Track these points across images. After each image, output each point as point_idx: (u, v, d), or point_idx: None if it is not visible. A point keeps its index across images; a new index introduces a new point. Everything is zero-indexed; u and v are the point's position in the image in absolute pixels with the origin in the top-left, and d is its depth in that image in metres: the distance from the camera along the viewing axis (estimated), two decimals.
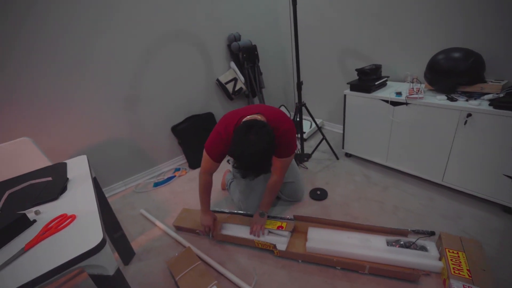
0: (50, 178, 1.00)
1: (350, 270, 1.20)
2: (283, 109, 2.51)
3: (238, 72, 2.41)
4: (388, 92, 1.70)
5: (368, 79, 1.79)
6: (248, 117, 1.18)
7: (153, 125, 2.17)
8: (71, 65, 1.70)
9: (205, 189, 1.39)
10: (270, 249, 1.32)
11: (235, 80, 2.42)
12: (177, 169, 2.31)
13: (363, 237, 1.26)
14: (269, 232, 1.40)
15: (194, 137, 2.29)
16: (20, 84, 1.58)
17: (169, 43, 2.06)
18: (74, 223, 0.73)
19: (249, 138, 1.03)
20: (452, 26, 1.53)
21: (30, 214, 0.78)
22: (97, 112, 1.88)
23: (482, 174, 1.39)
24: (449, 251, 1.13)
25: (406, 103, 1.55)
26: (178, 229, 1.58)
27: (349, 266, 1.19)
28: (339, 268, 1.22)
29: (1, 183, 1.06)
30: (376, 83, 1.75)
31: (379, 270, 1.14)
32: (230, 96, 2.47)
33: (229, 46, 2.39)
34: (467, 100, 1.37)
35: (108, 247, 0.68)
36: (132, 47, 1.90)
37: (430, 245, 1.18)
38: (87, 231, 0.69)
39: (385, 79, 1.83)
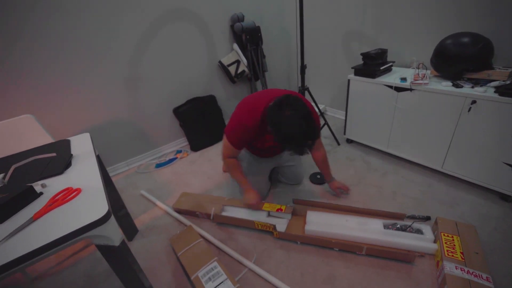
0: (54, 154, 1.01)
1: (348, 251, 1.24)
2: None
3: (241, 54, 2.37)
4: (393, 78, 1.68)
5: (373, 64, 1.76)
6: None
7: (155, 107, 2.17)
8: (73, 44, 1.67)
9: (237, 168, 1.38)
10: (270, 230, 1.35)
11: (237, 62, 2.38)
12: (179, 151, 2.32)
13: (361, 220, 1.29)
14: (269, 214, 1.43)
15: (196, 119, 2.28)
16: (23, 63, 1.56)
17: (170, 22, 2.01)
18: (79, 196, 0.75)
19: (286, 114, 1.03)
20: (462, 9, 1.48)
21: (37, 187, 0.79)
22: (99, 91, 1.87)
23: (482, 162, 1.40)
24: (444, 235, 1.16)
25: (411, 89, 1.53)
26: (178, 211, 1.61)
27: (347, 247, 1.23)
28: (336, 249, 1.25)
29: (6, 158, 1.08)
30: (382, 68, 1.72)
31: (375, 251, 1.18)
32: (232, 79, 2.44)
33: (232, 26, 2.33)
34: (472, 87, 1.35)
35: (113, 219, 0.70)
36: (133, 26, 1.86)
37: (426, 228, 1.21)
38: (93, 204, 0.71)
39: (391, 64, 1.80)
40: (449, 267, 1.02)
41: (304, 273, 1.17)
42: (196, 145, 2.33)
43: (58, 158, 0.99)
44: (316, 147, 1.43)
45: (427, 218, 1.34)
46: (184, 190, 1.80)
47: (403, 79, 1.60)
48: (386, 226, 1.24)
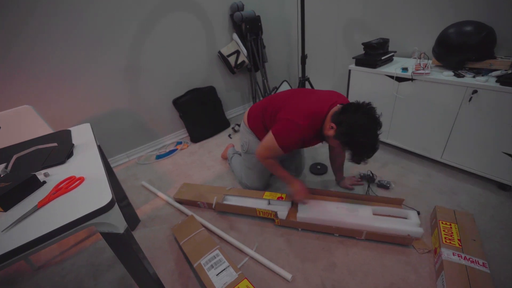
0: (55, 144, 1.01)
1: (347, 237, 1.26)
2: (285, 84, 2.46)
3: (241, 44, 2.34)
4: (394, 68, 1.67)
5: (374, 54, 1.75)
6: (338, 106, 1.15)
7: (155, 98, 2.15)
8: (72, 34, 1.65)
9: (277, 166, 1.32)
10: (271, 217, 1.37)
11: (237, 52, 2.35)
12: (179, 143, 2.32)
13: (351, 207, 1.33)
14: (269, 203, 1.44)
15: (196, 110, 2.28)
16: (22, 54, 1.54)
17: (170, 11, 1.97)
18: (83, 185, 0.75)
19: (363, 122, 1.03)
20: None
21: (40, 176, 0.80)
22: (98, 82, 1.85)
23: (481, 152, 1.41)
24: (442, 223, 1.18)
25: (412, 79, 1.53)
26: (179, 202, 1.62)
27: (347, 232, 1.25)
28: (337, 235, 1.28)
29: (7, 148, 1.08)
30: (383, 58, 1.71)
31: (376, 235, 1.21)
32: (232, 69, 2.42)
33: (231, 16, 2.29)
34: (474, 77, 1.35)
35: (117, 207, 0.71)
36: (132, 16, 1.83)
37: (412, 214, 1.27)
38: (97, 192, 0.71)
39: (392, 54, 1.78)
40: (447, 254, 1.04)
41: (304, 260, 1.19)
42: (196, 136, 2.33)
43: (59, 147, 0.99)
44: (339, 151, 1.41)
45: (417, 212, 1.35)
46: (185, 181, 1.81)
47: (404, 69, 1.59)
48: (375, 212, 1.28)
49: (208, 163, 2.00)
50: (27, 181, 0.73)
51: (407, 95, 1.59)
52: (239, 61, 2.38)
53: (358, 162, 1.07)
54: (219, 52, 2.33)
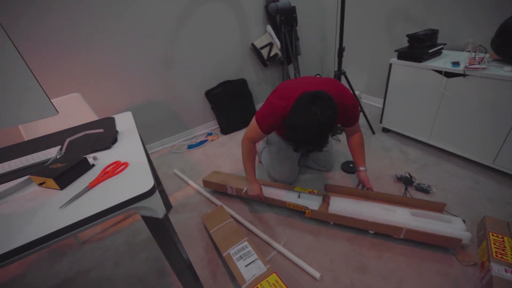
0: (102, 130, 1.08)
1: (382, 237, 1.20)
2: None
3: (275, 36, 2.30)
4: (442, 62, 1.52)
5: (420, 47, 1.61)
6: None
7: (188, 89, 2.21)
8: (114, 30, 1.74)
9: (249, 156, 1.34)
10: (302, 210, 1.33)
11: (270, 45, 2.32)
12: (209, 134, 2.38)
13: (387, 207, 1.24)
14: (299, 196, 1.41)
15: (227, 103, 2.30)
16: (70, 45, 1.66)
17: (204, 3, 1.99)
18: (127, 170, 0.79)
19: (312, 110, 0.98)
20: None
21: (89, 159, 0.86)
22: (137, 73, 1.95)
23: None
24: (493, 235, 1.07)
25: (464, 75, 1.39)
26: (208, 185, 1.63)
27: (385, 229, 1.16)
28: (372, 232, 1.21)
29: (59, 132, 1.18)
30: (430, 51, 1.57)
31: (417, 235, 1.11)
32: (264, 62, 2.39)
33: (266, 7, 2.25)
34: None
35: (157, 193, 0.74)
36: (168, 8, 1.87)
37: (455, 219, 1.14)
38: (139, 177, 0.75)
39: (441, 46, 1.63)
40: (498, 269, 0.94)
41: (333, 259, 1.16)
42: (226, 128, 2.36)
43: (105, 133, 1.05)
44: (352, 130, 1.34)
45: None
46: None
47: (456, 64, 1.44)
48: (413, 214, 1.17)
49: (237, 155, 2.02)
50: (80, 163, 0.79)
51: (457, 92, 1.45)
52: (272, 53, 2.34)
53: (295, 151, 1.14)
54: (252, 45, 2.31)
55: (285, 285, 0.97)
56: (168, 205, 1.57)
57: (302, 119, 1.00)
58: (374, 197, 1.34)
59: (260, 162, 1.86)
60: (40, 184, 0.75)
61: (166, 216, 0.78)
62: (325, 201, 1.38)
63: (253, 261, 1.08)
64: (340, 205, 1.28)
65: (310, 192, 1.39)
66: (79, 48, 1.70)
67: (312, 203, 1.35)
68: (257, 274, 1.02)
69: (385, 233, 1.18)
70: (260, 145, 1.87)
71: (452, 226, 1.11)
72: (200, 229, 1.42)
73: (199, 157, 2.07)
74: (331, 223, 1.30)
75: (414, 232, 1.11)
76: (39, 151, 0.97)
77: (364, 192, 1.36)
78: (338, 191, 1.42)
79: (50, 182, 0.72)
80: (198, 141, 2.30)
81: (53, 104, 0.78)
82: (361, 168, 1.38)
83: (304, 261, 1.15)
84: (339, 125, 1.94)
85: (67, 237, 0.64)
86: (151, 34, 1.88)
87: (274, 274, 1.01)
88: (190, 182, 1.77)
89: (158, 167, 2.01)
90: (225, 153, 2.07)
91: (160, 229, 0.80)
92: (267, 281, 0.99)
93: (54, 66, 1.67)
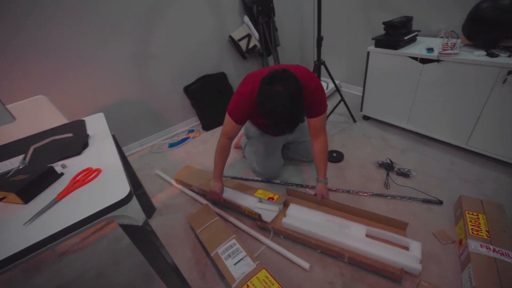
0: (71, 134, 1.00)
1: (329, 256, 1.14)
2: None
3: (252, 27, 2.24)
4: (418, 48, 1.55)
5: (396, 34, 1.63)
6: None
7: (165, 85, 2.12)
8: (81, 22, 1.61)
9: (221, 153, 1.31)
10: (255, 217, 1.30)
11: (248, 36, 2.26)
12: (191, 131, 2.31)
13: (343, 223, 1.17)
14: (260, 201, 1.35)
15: (207, 98, 2.23)
16: (32, 43, 1.52)
17: None
18: (100, 176, 0.74)
19: (275, 89, 0.98)
20: None
21: (57, 167, 0.79)
22: (108, 71, 1.83)
23: (510, 137, 1.31)
24: (468, 213, 1.12)
25: (438, 60, 1.42)
26: (179, 183, 1.60)
27: (328, 251, 1.12)
28: (319, 251, 1.16)
29: (24, 138, 1.08)
30: (406, 38, 1.59)
31: (359, 262, 1.05)
32: (243, 54, 2.33)
33: None
34: (509, 56, 1.23)
35: (135, 200, 0.69)
36: (139, 1, 1.77)
37: (415, 245, 1.04)
38: (114, 184, 0.70)
39: (416, 33, 1.66)
40: (474, 245, 0.99)
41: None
42: (208, 124, 2.30)
43: (75, 138, 0.98)
44: (316, 127, 1.24)
45: (439, 202, 1.29)
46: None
47: (430, 50, 1.48)
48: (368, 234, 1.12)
49: None
50: (45, 173, 0.72)
51: (432, 77, 1.49)
52: (251, 45, 2.29)
53: (274, 135, 1.15)
54: (230, 37, 2.24)
55: (275, 280, 0.97)
56: (151, 208, 1.51)
57: (271, 100, 0.99)
58: (336, 208, 1.26)
59: (244, 157, 1.84)
60: (1, 199, 0.68)
61: (146, 223, 0.74)
62: (286, 205, 1.33)
63: (242, 258, 1.07)
64: (296, 215, 1.23)
65: (269, 198, 1.32)
66: (41, 47, 1.56)
67: (272, 207, 1.30)
68: (247, 272, 1.01)
69: (330, 254, 1.13)
70: (243, 140, 1.84)
71: (407, 254, 1.01)
72: (186, 230, 1.38)
73: (181, 156, 2.01)
74: (281, 237, 1.24)
75: (357, 259, 1.04)
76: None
77: (327, 201, 1.27)
78: (300, 196, 1.37)
79: (12, 196, 0.66)
80: (180, 139, 2.23)
81: (8, 110, 0.70)
82: (321, 181, 1.29)
83: (293, 253, 1.15)
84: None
85: (35, 256, 0.58)
86: (121, 28, 1.77)
87: (264, 270, 1.01)
88: (173, 182, 1.72)
89: (139, 169, 1.93)
90: (208, 150, 2.02)
91: (141, 236, 0.76)
92: (257, 277, 0.98)
93: (15, 66, 1.53)
